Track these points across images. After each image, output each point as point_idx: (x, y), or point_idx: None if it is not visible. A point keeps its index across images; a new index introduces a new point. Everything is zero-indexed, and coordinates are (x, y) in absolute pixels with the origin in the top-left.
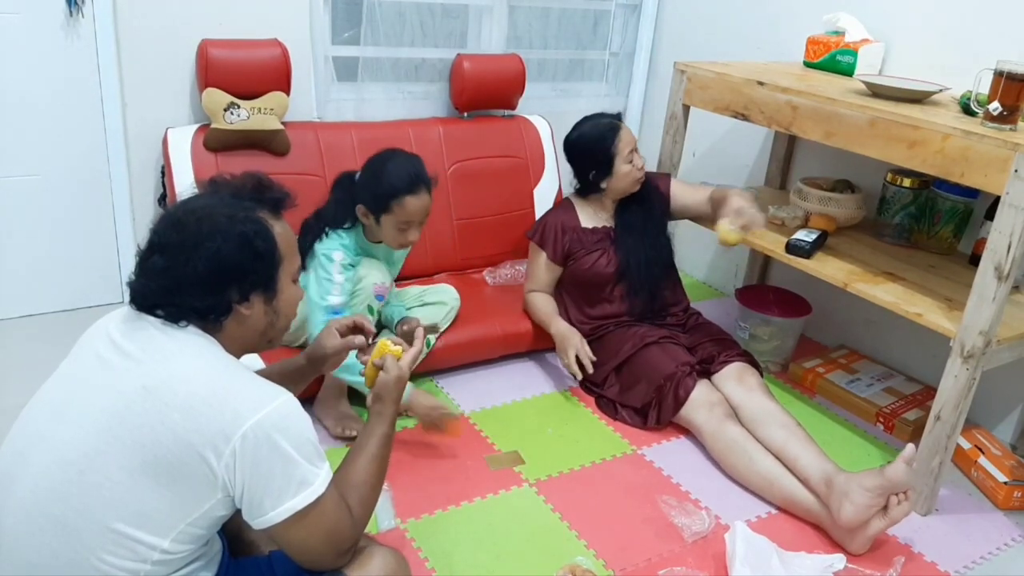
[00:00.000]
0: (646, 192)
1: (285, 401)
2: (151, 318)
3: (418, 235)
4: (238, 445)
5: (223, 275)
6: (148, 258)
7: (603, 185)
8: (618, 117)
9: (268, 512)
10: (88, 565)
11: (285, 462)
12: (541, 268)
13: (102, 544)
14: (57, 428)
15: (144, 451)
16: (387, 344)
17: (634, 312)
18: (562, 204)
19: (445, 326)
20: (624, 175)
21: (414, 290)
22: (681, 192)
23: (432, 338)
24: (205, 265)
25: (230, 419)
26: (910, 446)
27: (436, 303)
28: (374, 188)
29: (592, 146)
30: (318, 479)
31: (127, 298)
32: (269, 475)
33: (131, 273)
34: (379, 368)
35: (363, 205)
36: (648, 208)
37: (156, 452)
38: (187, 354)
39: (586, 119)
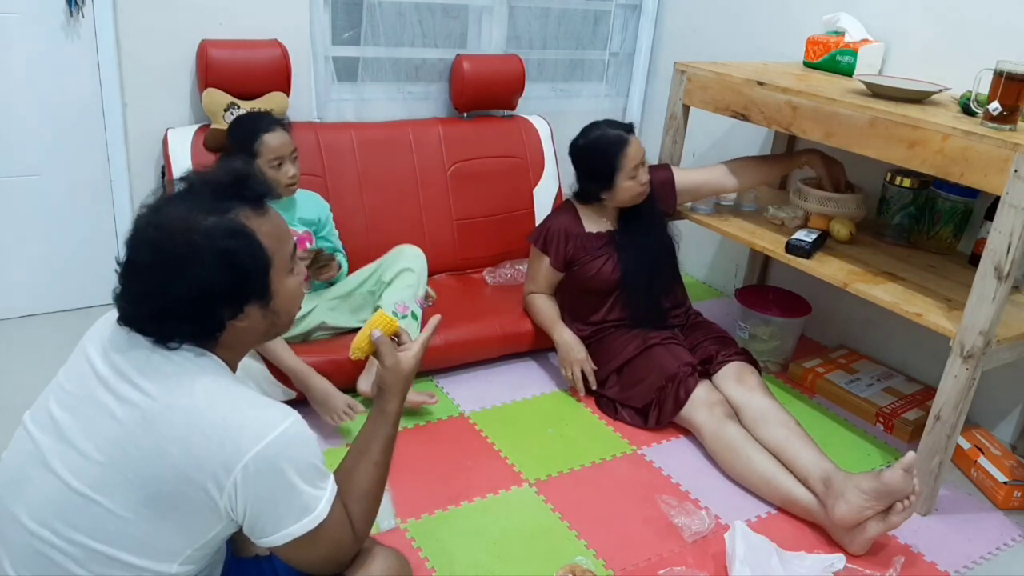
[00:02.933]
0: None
1: (287, 427)
2: (143, 338)
3: (294, 169)
4: (239, 477)
5: (209, 300)
6: (128, 277)
7: (603, 196)
8: (629, 128)
9: (269, 535)
10: None
11: (287, 489)
12: (542, 273)
13: (110, 571)
14: (62, 452)
15: (146, 485)
16: (384, 315)
17: (636, 318)
18: (564, 207)
19: (431, 291)
20: (625, 190)
21: (366, 271)
22: (688, 178)
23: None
24: (187, 293)
25: (230, 451)
26: (911, 454)
27: (402, 271)
28: (238, 140)
29: (596, 157)
30: (320, 503)
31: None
32: (271, 502)
33: (115, 288)
34: (375, 342)
35: None
36: (651, 211)
37: (158, 487)
38: (183, 380)
39: (596, 125)
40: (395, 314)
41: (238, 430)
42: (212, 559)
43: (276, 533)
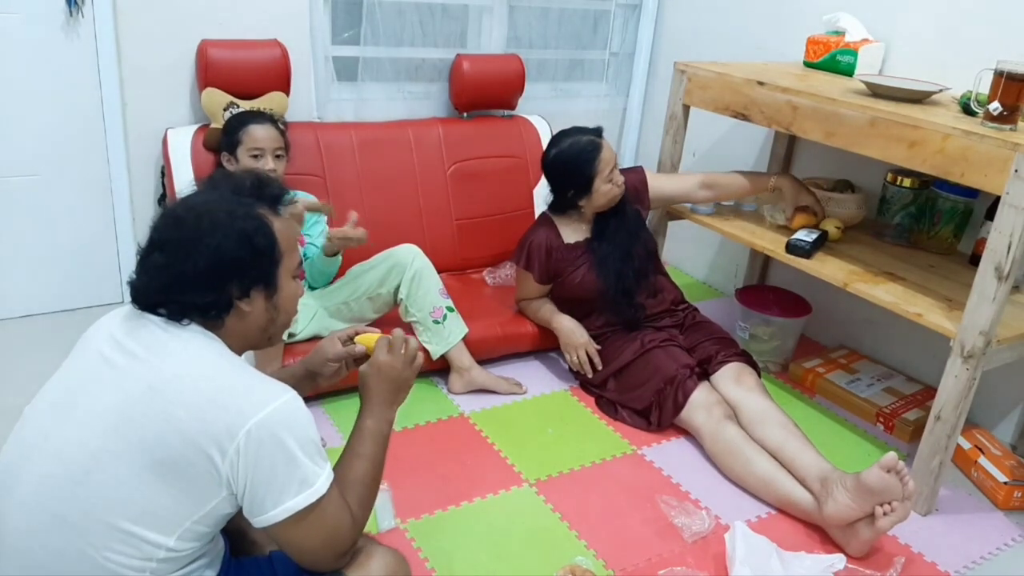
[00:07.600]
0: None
1: (290, 399)
2: (153, 317)
3: (273, 165)
4: (242, 442)
5: (223, 271)
6: (149, 256)
7: (581, 204)
8: (598, 132)
9: (269, 511)
10: (94, 563)
11: (288, 460)
12: (530, 287)
13: (107, 543)
14: (62, 428)
15: (151, 450)
16: (378, 340)
17: (623, 320)
18: (541, 220)
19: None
20: (603, 194)
21: (362, 278)
22: (662, 184)
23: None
24: (205, 261)
25: (235, 417)
26: (890, 454)
27: (413, 278)
28: (227, 131)
29: (571, 166)
30: (319, 479)
31: (127, 298)
32: (271, 473)
33: (132, 272)
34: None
35: (225, 152)
36: (624, 212)
37: (162, 451)
38: (191, 353)
39: (564, 134)
40: (435, 322)
41: (243, 396)
42: (208, 548)
43: (276, 508)
